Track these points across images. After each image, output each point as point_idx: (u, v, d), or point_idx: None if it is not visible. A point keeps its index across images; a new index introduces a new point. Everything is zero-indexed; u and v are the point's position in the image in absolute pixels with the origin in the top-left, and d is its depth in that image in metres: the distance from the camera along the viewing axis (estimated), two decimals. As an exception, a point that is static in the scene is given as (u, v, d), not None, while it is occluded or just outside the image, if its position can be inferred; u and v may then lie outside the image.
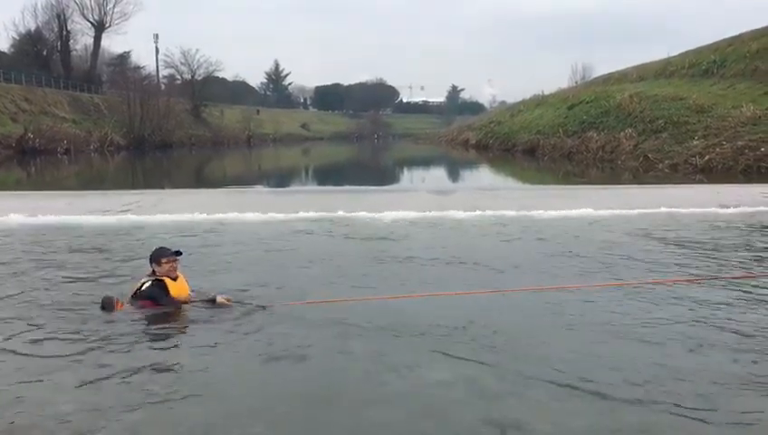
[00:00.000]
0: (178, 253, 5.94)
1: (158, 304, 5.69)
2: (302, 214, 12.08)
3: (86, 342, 5.05)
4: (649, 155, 25.15)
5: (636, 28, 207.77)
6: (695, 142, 23.87)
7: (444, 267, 7.80)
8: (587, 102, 34.56)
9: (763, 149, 20.98)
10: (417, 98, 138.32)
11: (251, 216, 11.97)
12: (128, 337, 5.14)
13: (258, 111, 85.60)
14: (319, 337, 5.13)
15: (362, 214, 12.18)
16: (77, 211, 11.99)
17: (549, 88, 49.11)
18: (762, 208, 12.84)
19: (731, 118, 24.19)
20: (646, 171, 23.34)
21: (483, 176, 29.06)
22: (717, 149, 22.50)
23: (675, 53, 39.52)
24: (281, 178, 29.35)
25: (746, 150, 21.46)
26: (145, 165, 37.38)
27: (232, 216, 11.94)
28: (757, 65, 29.28)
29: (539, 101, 44.75)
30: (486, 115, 62.72)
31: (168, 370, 4.58)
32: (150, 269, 5.88)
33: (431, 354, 4.73)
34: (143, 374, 4.45)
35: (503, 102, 78.44)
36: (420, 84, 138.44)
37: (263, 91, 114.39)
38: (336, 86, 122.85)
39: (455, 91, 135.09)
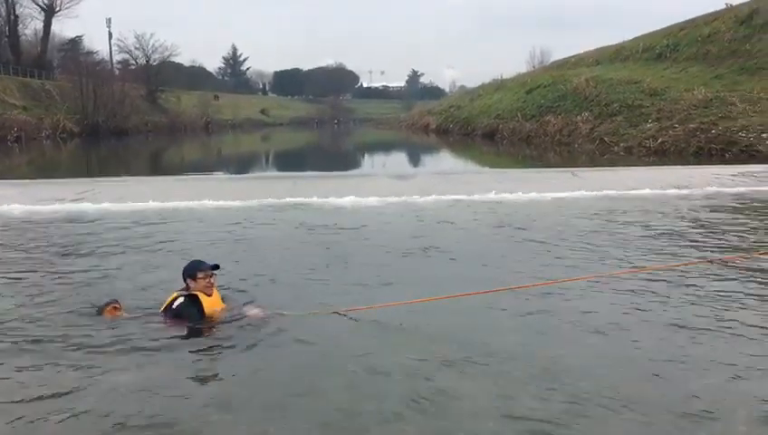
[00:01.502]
0: (216, 266, 5.26)
1: (185, 323, 5.04)
2: (261, 200, 11.98)
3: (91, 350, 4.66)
4: (605, 138, 25.58)
5: (593, 12, 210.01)
6: (648, 125, 24.35)
7: (404, 255, 7.83)
8: (544, 86, 34.92)
9: (713, 132, 21.49)
10: (378, 83, 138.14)
11: (210, 203, 11.83)
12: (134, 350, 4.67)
13: (217, 97, 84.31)
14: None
15: (322, 199, 12.16)
16: (28, 200, 11.71)
17: (508, 72, 49.52)
18: (714, 189, 13.22)
19: (683, 101, 24.71)
20: (602, 154, 23.74)
21: (443, 160, 29.19)
22: (670, 132, 22.99)
23: (630, 36, 40.18)
24: (241, 165, 29.03)
25: (698, 133, 21.97)
26: (99, 152, 36.54)
27: (190, 203, 11.78)
28: (709, 49, 29.92)
29: (498, 86, 45.07)
30: (446, 100, 62.97)
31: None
32: (184, 284, 5.23)
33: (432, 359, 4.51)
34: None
35: (462, 87, 78.68)
36: (381, 69, 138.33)
37: (221, 77, 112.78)
38: (295, 71, 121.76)
39: (415, 76, 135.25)
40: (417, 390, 3.96)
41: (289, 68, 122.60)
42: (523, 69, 54.71)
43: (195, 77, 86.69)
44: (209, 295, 5.16)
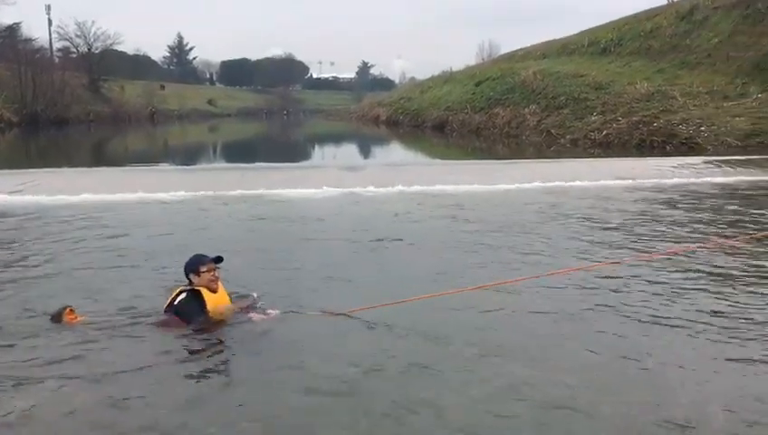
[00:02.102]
0: (219, 259, 4.98)
1: (189, 321, 4.74)
2: (209, 192, 11.80)
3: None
4: (552, 130, 26.01)
5: (542, 6, 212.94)
6: (593, 118, 24.86)
7: (358, 247, 7.81)
8: (493, 79, 35.27)
9: (655, 125, 22.07)
10: (328, 74, 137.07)
11: (156, 195, 11.59)
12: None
13: (163, 87, 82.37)
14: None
15: (272, 191, 12.05)
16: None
17: (457, 65, 49.83)
18: (655, 181, 13.60)
19: (626, 94, 25.31)
20: (549, 146, 24.15)
21: (394, 152, 29.23)
22: (614, 125, 23.51)
23: (576, 30, 40.92)
24: (188, 156, 28.45)
25: (640, 125, 22.53)
26: (39, 143, 35.32)
27: (136, 196, 11.52)
28: (651, 44, 30.73)
29: (447, 78, 45.33)
30: (396, 91, 62.96)
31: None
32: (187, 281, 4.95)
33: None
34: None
35: (412, 79, 78.73)
36: (330, 60, 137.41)
37: (166, 66, 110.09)
38: (243, 61, 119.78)
39: (365, 67, 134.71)
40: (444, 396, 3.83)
41: (236, 58, 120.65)
42: (473, 61, 55.14)
43: (139, 66, 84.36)
44: (214, 291, 4.87)
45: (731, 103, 22.11)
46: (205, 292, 4.81)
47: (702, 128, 20.78)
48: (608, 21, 38.04)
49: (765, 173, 14.34)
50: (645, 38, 31.51)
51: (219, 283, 4.93)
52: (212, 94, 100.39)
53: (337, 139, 40.44)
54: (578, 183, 13.14)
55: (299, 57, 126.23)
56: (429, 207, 10.63)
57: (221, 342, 4.63)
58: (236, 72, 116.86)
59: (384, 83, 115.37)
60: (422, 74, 63.84)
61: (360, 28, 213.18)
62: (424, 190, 12.32)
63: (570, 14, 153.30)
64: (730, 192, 12.18)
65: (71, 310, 4.89)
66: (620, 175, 13.96)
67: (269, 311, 4.96)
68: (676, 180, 13.71)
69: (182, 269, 4.98)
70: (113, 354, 4.38)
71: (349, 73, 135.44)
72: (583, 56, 34.60)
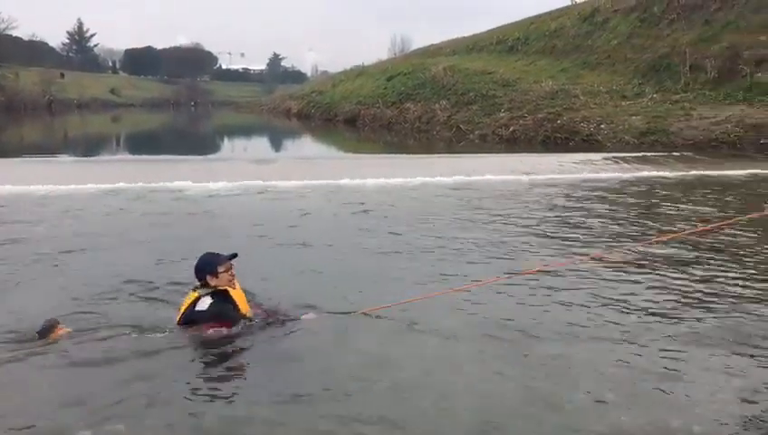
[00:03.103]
0: (234, 255, 4.65)
1: (226, 324, 4.42)
2: (111, 185, 11.31)
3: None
4: (462, 126, 26.52)
5: (453, 3, 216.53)
6: (501, 114, 25.53)
7: (267, 243, 7.68)
8: (404, 74, 35.59)
9: (559, 122, 22.92)
10: (238, 65, 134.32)
11: (53, 187, 11.00)
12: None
13: (63, 75, 78.36)
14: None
15: (179, 184, 11.69)
16: None
17: (370, 59, 50.00)
18: (558, 176, 14.10)
19: (532, 92, 26.17)
20: (458, 141, 24.60)
21: (306, 146, 29.03)
22: (521, 121, 24.23)
23: (486, 28, 41.92)
24: (89, 147, 27.22)
25: (545, 122, 23.33)
26: None
27: (31, 188, 10.91)
28: (555, 43, 31.90)
29: (359, 72, 45.40)
30: (309, 84, 62.57)
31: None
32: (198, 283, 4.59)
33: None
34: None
35: (325, 72, 78.53)
36: (240, 51, 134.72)
37: (65, 53, 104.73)
38: (149, 49, 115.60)
39: (276, 59, 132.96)
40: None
41: (141, 46, 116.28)
42: (385, 56, 55.57)
43: (35, 53, 79.89)
44: (234, 288, 4.60)
45: (628, 102, 23.25)
46: (231, 290, 4.55)
47: (602, 125, 21.75)
48: (515, 20, 39.22)
49: (659, 169, 15.15)
50: (550, 38, 32.68)
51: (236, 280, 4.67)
52: (115, 83, 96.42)
53: (247, 131, 39.76)
54: (488, 178, 13.41)
55: (207, 47, 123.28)
56: (342, 201, 10.59)
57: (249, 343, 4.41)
58: (141, 62, 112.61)
59: (296, 76, 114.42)
60: (334, 68, 63.84)
61: (271, 19, 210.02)
62: (336, 184, 12.28)
63: (480, 11, 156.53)
64: (628, 187, 12.77)
65: (59, 326, 4.48)
66: (526, 170, 14.40)
67: (306, 315, 4.79)
68: (578, 175, 14.25)
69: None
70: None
71: (259, 65, 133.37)
72: (492, 54, 35.50)
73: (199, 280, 4.54)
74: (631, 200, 11.06)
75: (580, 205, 10.53)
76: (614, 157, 16.50)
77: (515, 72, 29.71)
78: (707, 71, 22.74)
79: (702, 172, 14.67)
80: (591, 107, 23.36)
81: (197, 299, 4.42)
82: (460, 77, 30.57)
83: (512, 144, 22.60)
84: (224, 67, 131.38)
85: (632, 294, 5.57)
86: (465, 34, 42.95)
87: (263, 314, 4.73)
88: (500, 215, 9.41)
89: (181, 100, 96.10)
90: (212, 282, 4.50)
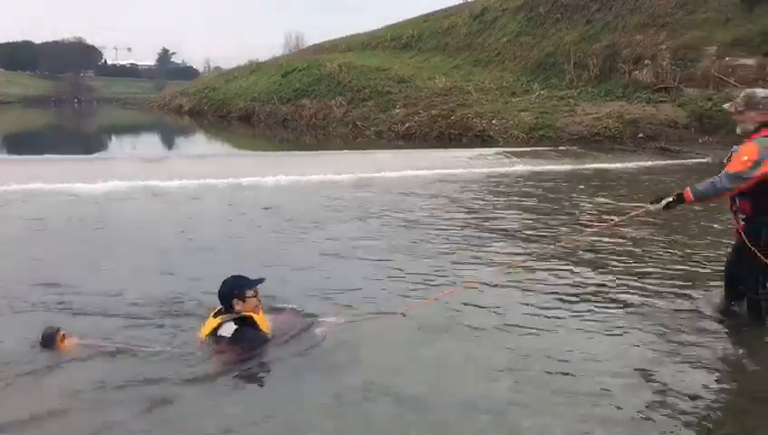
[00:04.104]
0: (261, 280, 4.44)
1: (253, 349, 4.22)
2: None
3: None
4: (358, 123, 26.50)
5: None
6: (396, 111, 25.71)
7: (157, 247, 7.30)
8: (300, 70, 35.18)
9: (452, 118, 23.33)
10: (125, 60, 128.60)
11: None
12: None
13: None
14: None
15: (65, 185, 10.96)
16: None
17: (264, 55, 49.12)
18: (452, 171, 14.31)
19: (427, 89, 26.55)
20: (355, 138, 24.58)
21: (198, 143, 28.13)
22: (416, 118, 24.49)
23: (381, 25, 42.15)
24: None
25: (439, 119, 23.70)
26: None
27: None
28: (448, 41, 32.55)
29: (254, 68, 44.45)
30: (201, 80, 60.65)
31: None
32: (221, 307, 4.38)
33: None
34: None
35: (218, 68, 76.39)
36: (127, 45, 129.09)
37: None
38: (27, 44, 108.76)
39: (166, 55, 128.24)
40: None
41: (19, 40, 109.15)
42: (280, 52, 54.73)
43: None
44: (258, 314, 4.34)
45: (518, 99, 24.03)
46: (256, 317, 4.30)
47: (494, 121, 22.33)
48: (410, 17, 39.67)
49: (548, 163, 15.72)
50: (443, 35, 33.30)
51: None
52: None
53: (136, 129, 38.11)
54: (386, 174, 13.39)
55: (91, 41, 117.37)
56: (236, 201, 10.27)
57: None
58: (18, 56, 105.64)
59: (187, 72, 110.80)
60: (228, 64, 62.04)
61: (160, 13, 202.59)
62: (232, 183, 11.90)
63: (375, 8, 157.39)
64: (526, 181, 13.13)
65: (63, 334, 4.14)
66: (423, 165, 14.52)
67: (329, 319, 4.64)
68: (473, 170, 14.52)
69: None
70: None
71: (148, 61, 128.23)
72: (386, 50, 35.76)
73: (224, 305, 4.33)
74: (534, 195, 11.36)
75: (485, 201, 10.69)
76: (506, 151, 16.97)
77: (410, 69, 30.05)
78: (590, 69, 23.85)
79: (596, 166, 15.50)
80: (483, 103, 23.96)
81: (220, 325, 4.22)
82: (356, 73, 30.56)
83: (407, 140, 22.80)
84: (110, 63, 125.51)
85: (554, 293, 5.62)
86: (360, 31, 43.03)
87: (286, 320, 4.62)
88: (402, 212, 9.41)
89: (63, 97, 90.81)
90: (237, 307, 4.28)
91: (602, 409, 3.57)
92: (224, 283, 4.35)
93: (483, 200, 10.61)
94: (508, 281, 5.78)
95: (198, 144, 27.63)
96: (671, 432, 3.35)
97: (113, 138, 32.91)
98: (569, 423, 3.42)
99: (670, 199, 4.66)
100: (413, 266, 6.26)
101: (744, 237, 4.54)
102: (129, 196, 10.60)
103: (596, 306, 5.20)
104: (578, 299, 5.38)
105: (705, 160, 15.82)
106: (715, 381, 3.97)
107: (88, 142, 29.66)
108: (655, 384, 3.88)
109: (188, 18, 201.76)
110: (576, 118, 21.09)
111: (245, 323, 4.22)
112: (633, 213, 5.60)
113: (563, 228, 8.23)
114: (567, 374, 3.99)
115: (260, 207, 9.67)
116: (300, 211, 9.34)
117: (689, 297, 5.40)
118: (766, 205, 4.42)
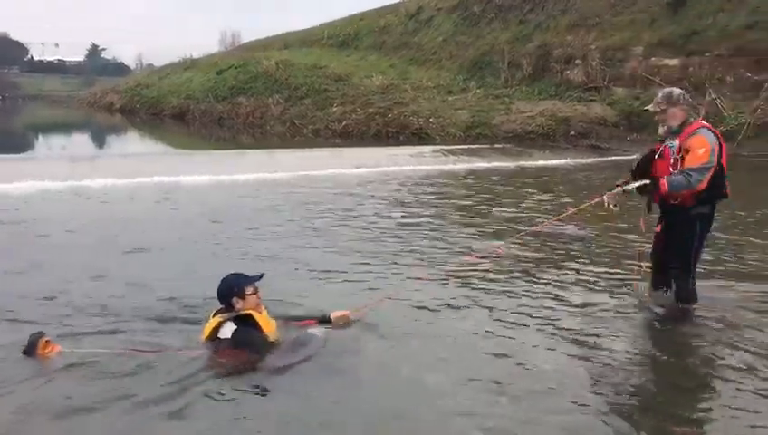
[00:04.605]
0: (261, 276, 4.31)
1: (254, 351, 4.05)
2: None
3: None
4: (295, 121, 26.31)
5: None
6: (334, 109, 25.65)
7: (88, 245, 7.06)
8: (235, 68, 34.65)
9: (389, 116, 23.44)
10: (52, 56, 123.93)
11: None
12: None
13: None
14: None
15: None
16: None
17: (198, 52, 48.07)
18: (393, 168, 14.38)
19: (364, 87, 26.59)
20: (292, 136, 24.41)
21: (129, 142, 27.34)
22: (353, 116, 24.50)
23: (317, 23, 41.95)
24: None
25: (376, 117, 23.77)
26: None
27: None
28: (384, 40, 32.68)
29: (188, 65, 43.47)
30: (132, 77, 59.06)
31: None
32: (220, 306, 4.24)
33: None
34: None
35: (150, 65, 74.54)
36: (54, 41, 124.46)
37: None
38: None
39: (96, 51, 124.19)
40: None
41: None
42: (215, 49, 53.87)
43: None
44: (260, 313, 4.21)
45: (454, 97, 24.34)
46: (256, 315, 4.16)
47: (431, 119, 22.55)
48: (346, 15, 39.65)
49: (485, 160, 15.99)
50: (379, 34, 33.41)
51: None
52: None
53: (65, 128, 36.72)
54: (325, 172, 13.34)
55: (15, 36, 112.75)
56: (170, 201, 10.03)
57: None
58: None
59: (118, 69, 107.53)
60: (160, 61, 60.53)
61: (89, 8, 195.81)
62: (161, 181, 11.61)
63: (312, 5, 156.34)
64: (464, 179, 13.30)
65: (47, 340, 3.96)
66: (362, 163, 14.54)
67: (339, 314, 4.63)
68: (411, 167, 14.61)
69: None
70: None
71: (77, 57, 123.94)
72: (323, 48, 35.62)
73: (223, 304, 4.23)
74: (473, 192, 11.49)
75: (426, 199, 10.76)
76: (443, 149, 17.17)
77: (347, 67, 30.02)
78: (524, 68, 24.39)
79: (532, 163, 15.85)
80: (420, 102, 24.16)
81: (220, 325, 4.12)
82: (292, 71, 30.33)
83: (345, 139, 22.78)
84: (36, 59, 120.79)
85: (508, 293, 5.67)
86: (296, 28, 42.74)
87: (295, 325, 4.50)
88: (348, 211, 9.38)
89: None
90: (237, 305, 4.18)
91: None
92: (222, 281, 4.26)
93: (418, 197, 10.70)
94: (455, 282, 5.84)
95: (131, 143, 26.84)
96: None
97: (41, 137, 31.62)
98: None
99: (647, 182, 4.82)
100: (354, 268, 6.21)
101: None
102: (54, 196, 10.22)
103: (531, 304, 5.31)
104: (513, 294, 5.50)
105: (633, 157, 16.37)
106: (639, 374, 4.10)
107: (11, 141, 28.42)
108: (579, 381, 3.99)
109: (120, 15, 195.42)
110: (511, 116, 21.52)
111: (245, 322, 4.13)
112: (587, 203, 5.59)
113: (507, 225, 8.37)
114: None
115: (197, 208, 9.48)
116: (235, 213, 9.22)
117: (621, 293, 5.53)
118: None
